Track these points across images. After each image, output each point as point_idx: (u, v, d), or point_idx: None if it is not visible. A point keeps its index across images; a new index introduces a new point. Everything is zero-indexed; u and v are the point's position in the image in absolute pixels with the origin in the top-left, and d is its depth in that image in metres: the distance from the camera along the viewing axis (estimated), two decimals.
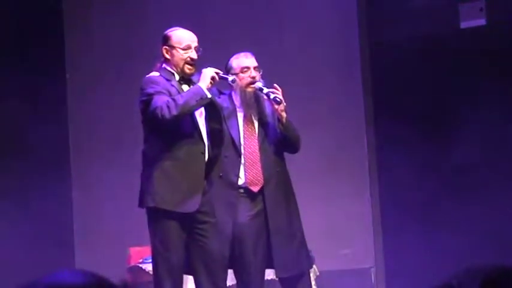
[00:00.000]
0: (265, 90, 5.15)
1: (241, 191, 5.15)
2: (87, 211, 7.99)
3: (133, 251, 6.92)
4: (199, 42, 5.05)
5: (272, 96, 5.11)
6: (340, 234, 7.20)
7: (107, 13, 8.14)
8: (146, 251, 6.87)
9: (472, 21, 7.12)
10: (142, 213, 7.78)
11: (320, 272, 6.33)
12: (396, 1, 7.33)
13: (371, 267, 7.12)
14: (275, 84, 5.17)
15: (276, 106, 5.13)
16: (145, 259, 6.69)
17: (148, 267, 6.55)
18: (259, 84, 5.19)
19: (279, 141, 5.24)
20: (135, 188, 7.89)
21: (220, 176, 5.11)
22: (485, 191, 6.85)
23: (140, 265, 6.63)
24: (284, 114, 5.17)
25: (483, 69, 7.04)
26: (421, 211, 7.03)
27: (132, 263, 6.80)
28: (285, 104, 5.14)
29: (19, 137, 7.57)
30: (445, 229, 6.94)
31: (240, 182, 5.15)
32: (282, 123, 5.18)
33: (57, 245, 7.66)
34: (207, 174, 4.99)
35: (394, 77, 7.32)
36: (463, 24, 7.16)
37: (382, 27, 7.36)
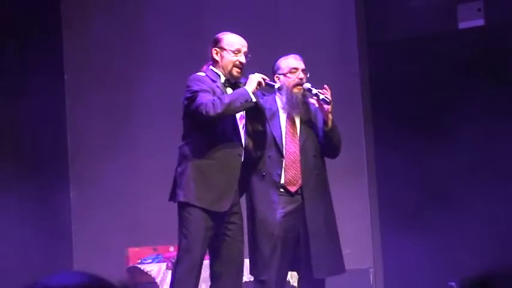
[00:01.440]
0: (314, 90, 5.20)
1: (282, 190, 5.18)
2: (85, 212, 7.99)
3: (132, 251, 6.92)
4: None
5: (321, 96, 5.16)
6: (339, 234, 7.19)
7: (105, 14, 8.13)
8: (144, 251, 6.87)
9: (470, 21, 7.13)
10: (141, 214, 7.81)
11: None
12: (394, 1, 7.33)
13: (369, 268, 7.12)
14: (325, 85, 5.20)
15: (326, 106, 5.17)
16: (144, 260, 6.70)
17: (147, 268, 6.56)
18: (308, 85, 5.23)
19: (321, 145, 5.28)
20: (133, 189, 7.92)
21: (263, 176, 5.15)
22: (484, 193, 6.85)
23: (138, 266, 6.63)
24: (331, 116, 5.21)
25: (482, 70, 7.04)
26: (419, 212, 7.03)
27: (131, 264, 6.80)
28: (333, 104, 5.18)
29: (17, 138, 7.56)
30: (443, 230, 6.94)
31: (281, 181, 5.18)
32: (328, 125, 5.22)
33: (55, 245, 7.66)
34: (251, 174, 5.08)
35: (392, 77, 7.32)
36: (461, 25, 7.17)
37: (380, 27, 7.36)
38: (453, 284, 5.40)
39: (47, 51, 7.82)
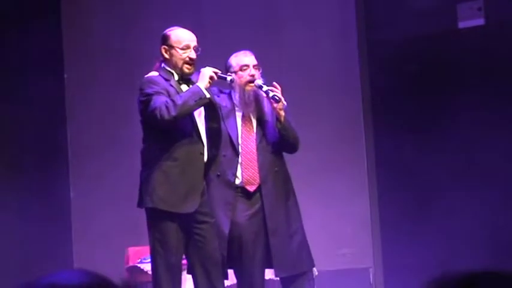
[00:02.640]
0: (265, 88, 5.13)
1: (239, 190, 5.13)
2: (85, 211, 7.98)
3: (132, 251, 6.92)
4: (198, 42, 5.05)
5: (271, 94, 5.10)
6: (339, 234, 7.20)
7: (105, 13, 8.13)
8: (144, 251, 6.87)
9: (470, 21, 7.12)
10: (140, 213, 7.78)
11: (318, 272, 6.32)
12: (394, 1, 7.32)
13: (369, 267, 7.11)
14: (274, 83, 5.15)
15: (275, 104, 5.11)
16: (144, 259, 6.69)
17: (147, 267, 6.55)
18: (258, 82, 5.17)
19: (278, 141, 5.22)
20: (134, 188, 7.89)
21: (218, 175, 5.10)
22: (484, 192, 6.85)
23: (138, 265, 6.63)
24: (282, 113, 5.14)
25: (481, 69, 7.04)
26: (420, 211, 7.03)
27: (131, 263, 6.79)
28: (284, 103, 5.12)
29: (17, 137, 7.56)
30: (443, 229, 6.94)
31: (237, 181, 5.14)
32: (280, 122, 5.15)
33: (55, 245, 7.66)
34: (206, 174, 5.00)
35: (392, 76, 7.32)
36: (461, 24, 7.16)
37: (380, 27, 7.35)
38: None
39: (47, 50, 7.81)
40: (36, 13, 7.80)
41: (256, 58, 5.32)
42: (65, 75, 8.18)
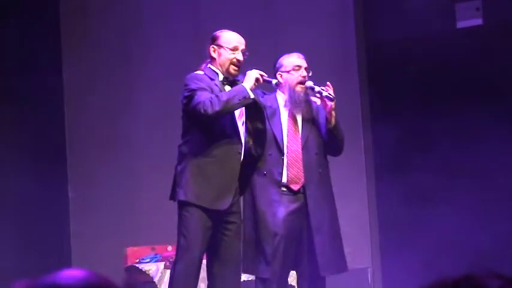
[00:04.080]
0: (317, 88, 5.19)
1: (284, 189, 5.16)
2: (83, 212, 7.98)
3: (130, 251, 6.92)
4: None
5: (325, 93, 5.15)
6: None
7: (104, 14, 8.13)
8: (143, 251, 6.87)
9: (469, 20, 7.13)
10: (139, 214, 7.81)
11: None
12: (393, 1, 7.33)
13: (367, 267, 7.11)
14: (328, 83, 5.20)
15: (329, 103, 5.16)
16: (142, 259, 6.69)
17: (145, 267, 6.55)
18: (310, 83, 5.23)
19: (323, 143, 5.28)
20: (131, 188, 7.92)
21: (265, 174, 5.14)
22: (484, 195, 6.85)
23: (137, 265, 6.63)
24: (334, 113, 5.20)
25: (480, 69, 7.04)
26: (418, 212, 7.03)
27: (129, 263, 6.79)
28: (335, 101, 5.17)
29: (16, 137, 7.56)
30: (442, 230, 6.94)
31: (283, 180, 5.16)
32: (331, 122, 5.21)
33: (54, 245, 7.66)
34: (251, 173, 5.07)
35: (391, 76, 7.32)
36: (460, 24, 7.17)
37: (378, 27, 7.36)
38: None
39: (45, 51, 7.81)
40: (35, 13, 7.80)
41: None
42: (64, 76, 8.18)
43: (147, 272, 6.52)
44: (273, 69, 5.35)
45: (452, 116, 7.08)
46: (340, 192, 7.24)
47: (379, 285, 7.23)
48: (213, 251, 4.99)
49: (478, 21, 7.11)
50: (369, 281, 7.03)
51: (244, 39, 5.15)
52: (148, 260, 6.66)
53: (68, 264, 7.83)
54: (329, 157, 5.41)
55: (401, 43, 7.25)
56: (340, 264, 5.28)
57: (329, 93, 5.15)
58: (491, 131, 6.91)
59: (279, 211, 5.12)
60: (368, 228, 7.27)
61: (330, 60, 7.43)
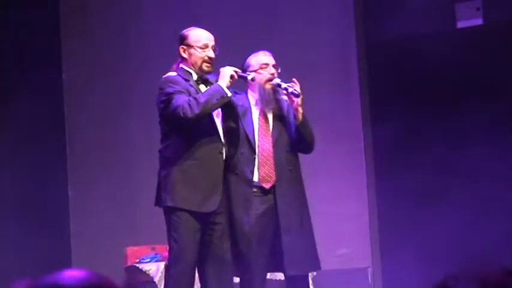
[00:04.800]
0: (283, 85, 5.19)
1: (255, 189, 5.16)
2: (83, 211, 7.98)
3: (130, 251, 6.92)
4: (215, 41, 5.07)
5: (290, 89, 5.15)
6: (337, 234, 7.20)
7: (104, 13, 8.13)
8: (143, 251, 6.87)
9: (469, 20, 7.12)
10: (139, 213, 7.80)
11: (317, 271, 6.32)
12: (393, 1, 7.33)
13: (368, 267, 7.11)
14: (294, 79, 5.20)
15: (295, 99, 5.16)
16: (142, 259, 6.69)
17: (145, 267, 6.55)
18: (277, 80, 5.23)
19: (294, 141, 5.27)
20: (131, 188, 7.91)
21: (237, 174, 5.13)
22: (485, 194, 6.85)
23: (137, 265, 6.63)
24: (301, 110, 5.20)
25: (480, 69, 7.04)
26: (418, 211, 7.03)
27: (129, 263, 6.79)
28: (302, 97, 5.16)
29: (15, 137, 7.55)
30: (442, 229, 6.94)
31: (255, 178, 5.17)
32: (298, 119, 5.20)
33: (53, 245, 7.65)
34: (224, 173, 5.04)
35: (391, 76, 7.32)
36: (460, 24, 7.16)
37: (378, 27, 7.35)
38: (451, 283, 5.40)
39: (45, 50, 7.81)
40: (34, 13, 7.79)
41: (247, 60, 5.35)
42: (63, 75, 8.18)
43: (147, 272, 6.51)
44: (242, 68, 5.34)
45: (452, 116, 7.08)
46: (340, 192, 7.26)
47: (379, 285, 7.23)
48: (202, 252, 4.96)
49: (478, 21, 7.10)
50: (369, 281, 7.03)
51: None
52: (148, 259, 6.66)
53: (68, 264, 7.83)
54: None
55: (401, 43, 7.24)
56: (308, 263, 5.23)
57: (295, 89, 5.15)
58: (491, 131, 6.91)
59: (251, 214, 5.11)
60: (368, 227, 7.27)
61: (330, 60, 7.43)
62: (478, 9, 7.09)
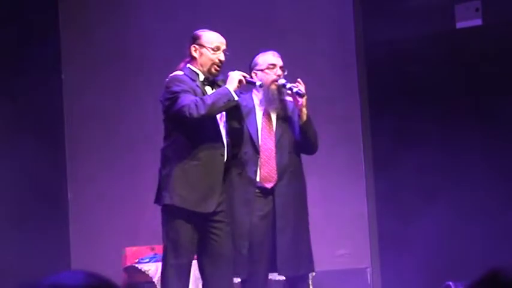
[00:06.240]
0: (288, 85, 5.21)
1: (257, 190, 5.17)
2: (82, 212, 7.98)
3: (129, 251, 6.92)
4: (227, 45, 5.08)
5: (295, 90, 5.17)
6: (337, 234, 7.20)
7: (103, 14, 8.13)
8: (142, 251, 6.87)
9: (468, 21, 7.13)
10: (138, 214, 7.80)
11: (316, 272, 6.32)
12: (392, 1, 7.33)
13: (367, 267, 7.12)
14: (299, 79, 5.21)
15: (299, 100, 5.17)
16: (141, 259, 6.70)
17: (144, 267, 6.55)
18: (282, 81, 5.25)
19: (298, 141, 5.28)
20: (131, 188, 7.91)
21: (240, 174, 5.15)
22: (486, 193, 6.85)
23: (136, 265, 6.63)
24: (305, 110, 5.20)
25: (480, 70, 7.04)
26: (418, 211, 7.03)
27: (128, 263, 6.79)
28: (306, 98, 5.18)
29: (14, 137, 7.55)
30: (441, 229, 6.94)
31: (258, 178, 5.18)
32: (302, 119, 5.22)
33: (53, 246, 7.65)
34: (227, 173, 5.05)
35: (390, 77, 7.32)
36: (459, 25, 7.17)
37: (378, 28, 7.36)
38: (450, 283, 5.41)
39: (44, 50, 7.81)
40: (34, 13, 7.79)
41: (255, 59, 5.35)
42: (63, 76, 8.18)
43: (146, 272, 6.52)
44: (250, 66, 5.35)
45: (452, 115, 7.09)
46: (340, 191, 7.26)
47: (378, 285, 7.23)
48: (204, 252, 4.97)
49: (478, 22, 7.11)
50: (368, 281, 7.04)
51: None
52: (147, 260, 6.66)
53: (67, 265, 7.83)
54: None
55: (401, 43, 7.25)
56: (301, 264, 5.23)
57: (299, 89, 5.16)
58: (491, 131, 6.91)
59: (254, 216, 5.12)
60: (367, 228, 7.27)
61: (330, 60, 7.43)
62: (477, 10, 7.10)
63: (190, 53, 5.06)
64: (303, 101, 5.18)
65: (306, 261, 5.26)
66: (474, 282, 1.50)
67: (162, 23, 7.87)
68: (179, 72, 5.01)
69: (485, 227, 6.81)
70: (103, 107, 8.01)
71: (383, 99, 7.34)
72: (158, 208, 5.09)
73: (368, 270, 7.08)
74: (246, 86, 5.22)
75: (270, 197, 5.18)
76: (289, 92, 5.22)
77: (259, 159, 5.18)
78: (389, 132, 7.14)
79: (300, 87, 5.18)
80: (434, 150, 7.06)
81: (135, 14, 8.02)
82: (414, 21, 7.22)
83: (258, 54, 5.40)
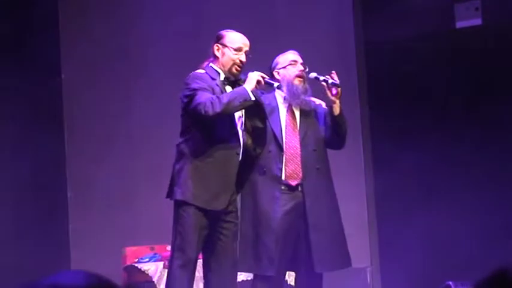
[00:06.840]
0: (322, 77, 5.21)
1: (283, 187, 5.17)
2: (82, 211, 7.98)
3: (129, 250, 6.92)
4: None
5: (330, 81, 5.17)
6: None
7: (103, 14, 8.13)
8: (141, 250, 6.87)
9: (468, 20, 7.13)
10: (138, 213, 7.80)
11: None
12: (392, 1, 7.33)
13: (367, 266, 7.12)
14: (333, 71, 5.21)
15: (334, 91, 5.17)
16: (141, 259, 6.70)
17: (144, 266, 6.56)
18: (314, 74, 5.25)
19: (323, 138, 5.29)
20: (131, 188, 7.91)
21: (264, 171, 5.15)
22: (485, 194, 6.85)
23: (136, 265, 6.63)
24: (338, 102, 5.20)
25: (479, 69, 7.04)
26: (417, 210, 7.03)
27: (128, 263, 6.79)
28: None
29: (14, 138, 7.55)
30: (441, 229, 6.95)
31: (282, 176, 5.18)
32: (336, 111, 5.22)
33: (53, 245, 7.66)
34: (250, 172, 5.09)
35: (390, 76, 7.33)
36: (459, 24, 7.17)
37: (377, 27, 7.36)
38: (450, 283, 5.41)
39: (44, 51, 7.81)
40: (34, 13, 7.79)
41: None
42: (62, 76, 8.18)
43: (146, 272, 6.52)
44: (267, 69, 5.36)
45: (451, 115, 7.09)
46: (339, 191, 7.24)
47: (378, 285, 7.23)
48: (209, 250, 4.99)
49: (478, 21, 7.11)
50: (368, 281, 7.04)
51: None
52: (147, 259, 6.66)
53: (66, 264, 7.83)
54: (329, 157, 5.40)
55: (401, 43, 7.25)
56: (338, 260, 5.27)
57: (335, 80, 5.16)
58: (490, 131, 6.91)
59: (278, 210, 5.13)
60: (367, 227, 7.27)
61: (329, 60, 7.43)
62: (477, 9, 7.10)
63: (213, 51, 5.08)
64: (338, 90, 5.17)
65: (342, 256, 5.28)
66: (481, 281, 1.50)
67: (162, 23, 7.88)
68: (201, 71, 5.03)
69: (485, 227, 6.81)
70: (103, 107, 8.01)
71: (383, 99, 7.34)
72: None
73: (368, 269, 7.08)
74: (265, 87, 5.22)
75: (296, 193, 5.18)
76: (324, 83, 5.20)
77: (283, 157, 5.17)
78: (389, 132, 7.14)
79: (334, 77, 5.17)
80: (434, 150, 7.06)
81: (135, 14, 8.02)
82: (414, 21, 7.22)
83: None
